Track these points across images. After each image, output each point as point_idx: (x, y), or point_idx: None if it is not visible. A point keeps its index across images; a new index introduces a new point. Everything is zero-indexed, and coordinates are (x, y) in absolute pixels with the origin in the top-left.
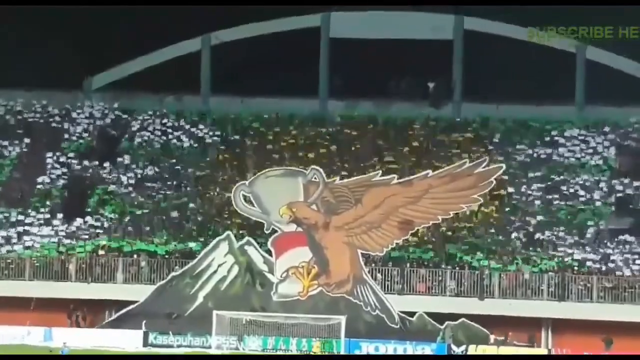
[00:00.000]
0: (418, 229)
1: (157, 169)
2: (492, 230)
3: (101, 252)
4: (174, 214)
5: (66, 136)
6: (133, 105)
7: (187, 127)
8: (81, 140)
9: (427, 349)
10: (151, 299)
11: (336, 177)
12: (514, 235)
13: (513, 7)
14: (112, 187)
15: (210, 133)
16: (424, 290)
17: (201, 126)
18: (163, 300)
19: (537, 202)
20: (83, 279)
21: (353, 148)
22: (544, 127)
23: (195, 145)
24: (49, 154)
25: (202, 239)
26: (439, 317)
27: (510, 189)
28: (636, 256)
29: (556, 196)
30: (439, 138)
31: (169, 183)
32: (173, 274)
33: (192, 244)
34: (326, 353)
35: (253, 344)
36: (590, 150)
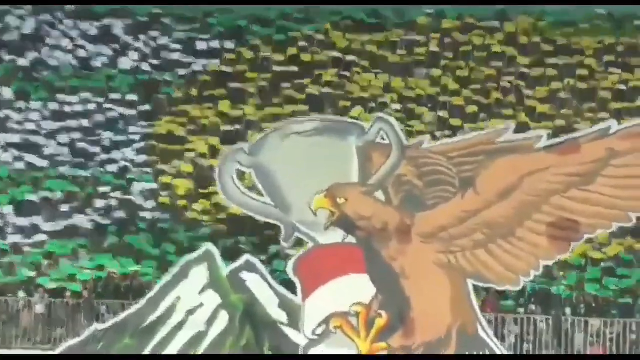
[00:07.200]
0: (592, 238)
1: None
2: None
3: None
4: (99, 204)
5: None
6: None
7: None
8: None
9: None
10: None
11: (424, 135)
12: None
13: None
14: None
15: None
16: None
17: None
18: None
19: None
20: None
21: (457, 77)
22: None
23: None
24: None
25: (159, 256)
26: None
27: None
28: None
29: None
30: (623, 59)
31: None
32: (97, 326)
33: (138, 267)
34: None
35: None
36: None
